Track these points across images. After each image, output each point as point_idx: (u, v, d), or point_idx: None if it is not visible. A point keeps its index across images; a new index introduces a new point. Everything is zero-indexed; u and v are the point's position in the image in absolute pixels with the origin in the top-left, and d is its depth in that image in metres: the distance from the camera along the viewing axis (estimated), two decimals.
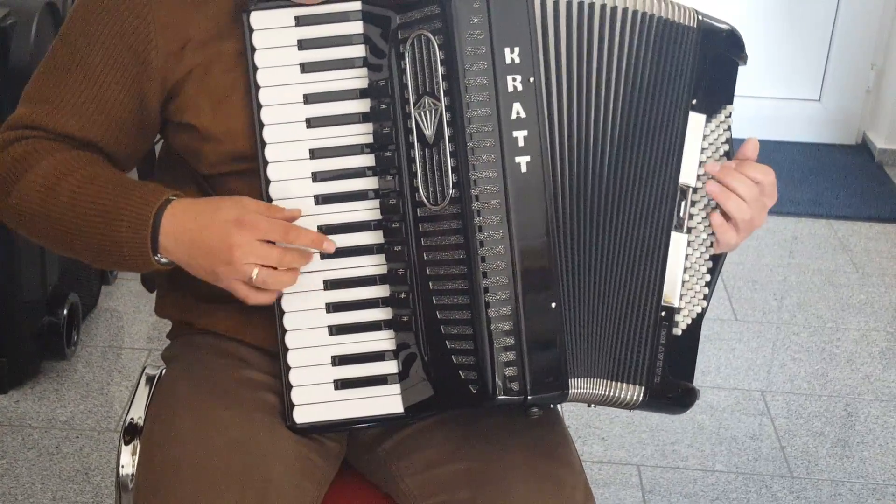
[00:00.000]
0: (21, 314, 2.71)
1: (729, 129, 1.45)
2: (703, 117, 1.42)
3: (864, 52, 4.48)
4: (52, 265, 2.78)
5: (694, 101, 1.42)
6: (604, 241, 1.38)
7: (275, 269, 1.32)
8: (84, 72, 1.38)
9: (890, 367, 3.14)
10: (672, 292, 1.42)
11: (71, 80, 1.39)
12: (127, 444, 1.52)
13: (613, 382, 1.40)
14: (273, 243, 1.32)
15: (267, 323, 1.41)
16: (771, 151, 4.44)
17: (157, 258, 1.34)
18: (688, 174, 1.42)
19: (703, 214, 1.43)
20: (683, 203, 1.42)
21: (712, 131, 1.44)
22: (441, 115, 1.32)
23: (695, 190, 1.43)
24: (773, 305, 3.43)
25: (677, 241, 1.42)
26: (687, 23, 1.41)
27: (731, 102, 1.45)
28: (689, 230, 1.43)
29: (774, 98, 4.50)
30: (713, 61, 1.43)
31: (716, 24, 1.44)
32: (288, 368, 1.39)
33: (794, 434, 2.82)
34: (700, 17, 1.42)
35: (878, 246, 3.83)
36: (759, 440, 2.79)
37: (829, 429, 2.86)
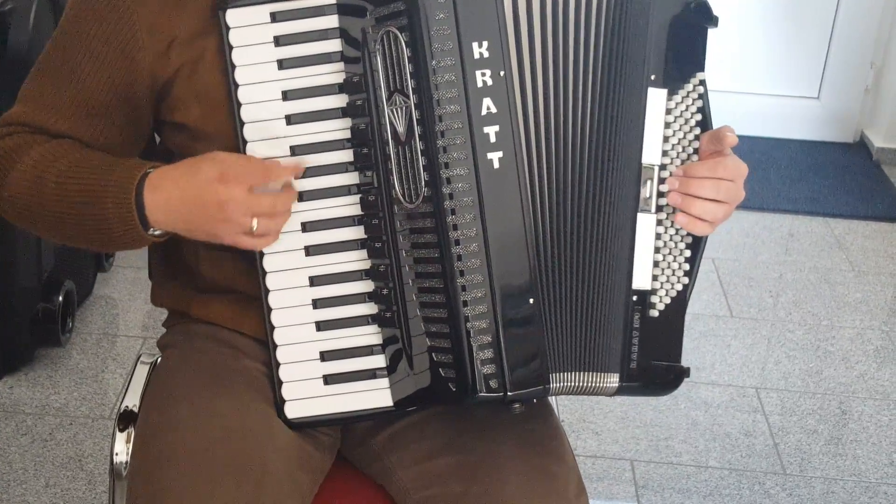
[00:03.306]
0: (16, 300, 2.71)
1: (700, 97, 1.40)
2: (663, 92, 1.38)
3: (864, 51, 4.48)
4: (47, 252, 2.78)
5: (652, 77, 1.38)
6: (579, 233, 1.37)
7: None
8: (73, 74, 1.39)
9: (884, 365, 3.14)
10: (643, 276, 1.40)
11: (61, 83, 1.39)
12: (121, 431, 1.52)
13: (589, 373, 1.39)
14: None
15: (262, 313, 1.41)
16: (769, 149, 4.45)
17: (150, 232, 1.34)
18: (651, 154, 1.39)
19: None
20: (649, 183, 1.39)
21: (678, 104, 1.40)
22: (411, 112, 1.31)
23: (663, 167, 1.39)
24: (768, 302, 3.43)
25: (645, 222, 1.40)
26: None
27: (701, 70, 1.40)
28: (659, 209, 1.40)
29: (773, 95, 4.50)
30: (675, 30, 1.38)
31: None
32: (278, 364, 1.39)
33: (787, 431, 2.83)
34: None
35: (875, 244, 3.84)
36: (752, 437, 2.79)
37: (823, 426, 2.86)
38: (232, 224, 1.31)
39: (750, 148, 4.36)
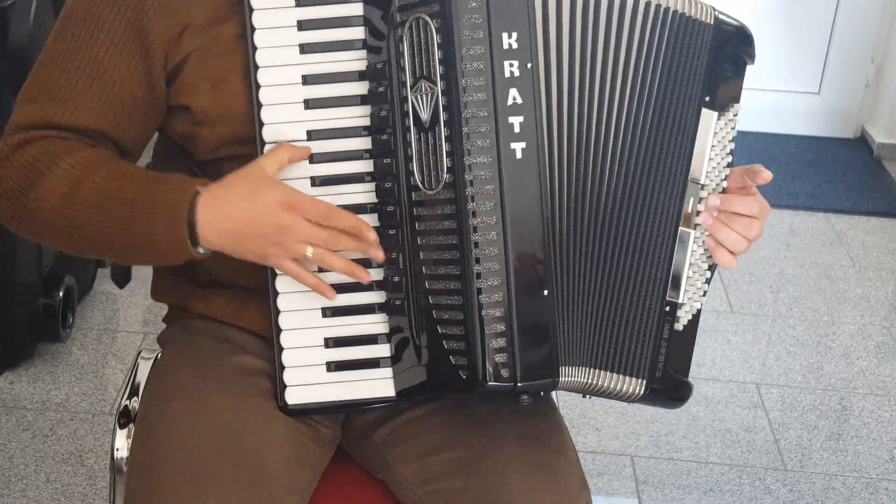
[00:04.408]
0: (16, 296, 2.71)
1: (734, 128, 1.45)
2: (714, 114, 1.43)
3: (864, 47, 4.48)
4: (47, 248, 2.77)
5: (707, 98, 1.42)
6: (606, 232, 1.38)
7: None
8: (90, 63, 1.36)
9: (885, 361, 3.14)
10: (677, 288, 1.43)
11: (77, 74, 1.36)
12: (122, 427, 1.52)
13: (614, 374, 1.40)
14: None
15: (262, 308, 1.41)
16: (769, 144, 4.44)
17: (196, 249, 1.33)
18: (697, 171, 1.42)
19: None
20: (692, 199, 1.42)
21: (721, 129, 1.43)
22: (437, 99, 1.31)
23: (702, 186, 1.43)
24: (769, 298, 3.43)
25: (684, 236, 1.43)
26: (704, 19, 1.41)
27: (738, 101, 1.45)
28: (695, 226, 1.43)
29: (774, 91, 4.49)
30: (725, 59, 1.43)
31: (729, 20, 1.44)
32: (281, 349, 1.39)
33: (788, 427, 2.83)
34: (716, 14, 1.42)
35: (875, 240, 3.84)
36: (753, 432, 2.80)
37: (824, 422, 2.86)
38: (285, 248, 1.31)
39: (750, 144, 4.36)
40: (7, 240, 2.64)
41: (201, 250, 1.33)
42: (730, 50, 1.43)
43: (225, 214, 1.31)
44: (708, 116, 1.42)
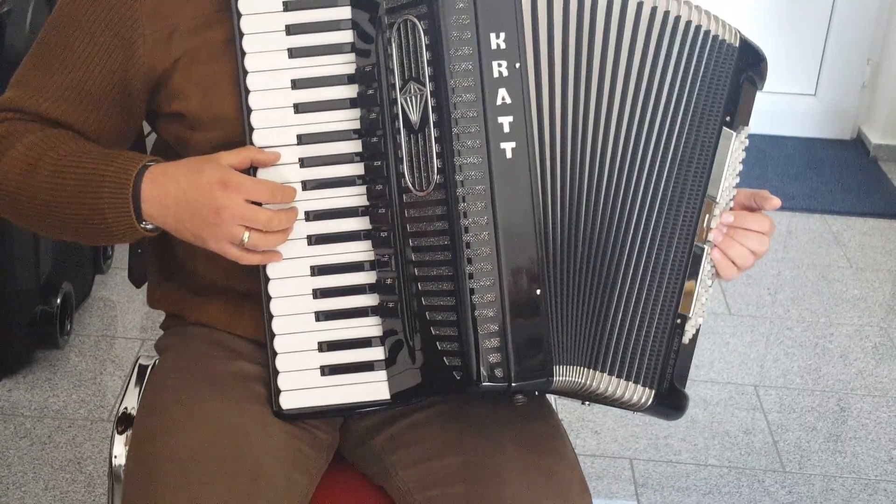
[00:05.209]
0: (14, 303, 2.71)
1: (744, 150, 1.46)
2: (733, 134, 1.44)
3: (861, 47, 4.48)
4: (45, 254, 2.77)
5: (728, 118, 1.43)
6: (606, 232, 1.38)
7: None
8: (69, 58, 1.39)
9: (882, 362, 3.14)
10: (689, 301, 1.43)
11: (55, 66, 1.39)
12: (120, 434, 1.52)
13: (619, 380, 1.40)
14: (259, 203, 1.32)
15: (258, 314, 1.41)
16: (766, 146, 4.45)
17: (142, 225, 1.34)
18: (714, 187, 1.43)
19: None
20: (707, 216, 1.42)
21: (736, 149, 1.44)
22: (426, 100, 1.32)
23: (716, 203, 1.43)
24: (766, 300, 3.43)
25: (698, 251, 1.43)
26: (730, 40, 1.42)
27: (748, 123, 1.46)
28: (706, 242, 1.44)
29: (770, 92, 4.47)
30: (742, 81, 1.44)
31: (752, 43, 1.45)
32: (275, 354, 1.39)
33: (786, 429, 2.83)
34: (742, 38, 1.43)
35: (872, 241, 3.84)
36: (751, 434, 2.80)
37: (822, 424, 2.86)
38: (221, 230, 1.31)
39: (747, 146, 4.36)
40: (5, 247, 2.63)
41: (149, 226, 1.34)
42: (747, 73, 1.44)
43: (166, 190, 1.32)
44: (727, 136, 1.43)
